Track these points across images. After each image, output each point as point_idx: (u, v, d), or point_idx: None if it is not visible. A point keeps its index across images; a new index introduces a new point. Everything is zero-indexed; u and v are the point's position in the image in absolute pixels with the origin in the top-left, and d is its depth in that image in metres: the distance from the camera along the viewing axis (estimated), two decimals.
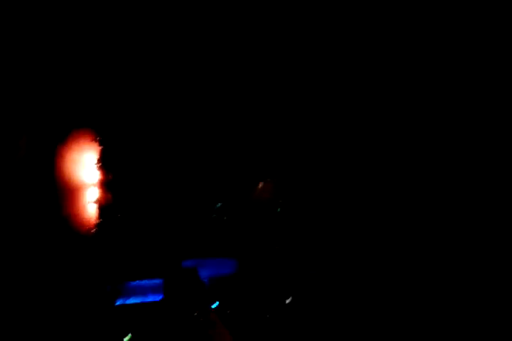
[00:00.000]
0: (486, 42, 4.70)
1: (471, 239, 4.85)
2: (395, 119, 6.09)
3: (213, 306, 7.01)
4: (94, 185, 6.23)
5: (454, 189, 5.14)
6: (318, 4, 6.11)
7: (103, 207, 6.35)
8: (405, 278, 5.73)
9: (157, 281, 7.08)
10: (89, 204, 6.22)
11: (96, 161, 6.20)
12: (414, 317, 5.37)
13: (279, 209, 7.94)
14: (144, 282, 7.03)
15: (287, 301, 6.84)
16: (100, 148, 6.23)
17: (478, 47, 4.78)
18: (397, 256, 5.94)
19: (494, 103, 4.67)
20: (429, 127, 5.52)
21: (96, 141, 6.19)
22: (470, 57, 4.88)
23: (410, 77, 5.79)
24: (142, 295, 6.91)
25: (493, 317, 4.50)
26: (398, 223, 5.98)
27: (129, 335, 5.86)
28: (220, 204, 7.77)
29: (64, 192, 5.96)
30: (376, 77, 6.33)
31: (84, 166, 6.11)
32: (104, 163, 6.28)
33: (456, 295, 4.94)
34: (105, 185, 6.34)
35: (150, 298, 6.93)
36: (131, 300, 6.79)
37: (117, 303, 6.63)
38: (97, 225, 6.30)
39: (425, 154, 5.59)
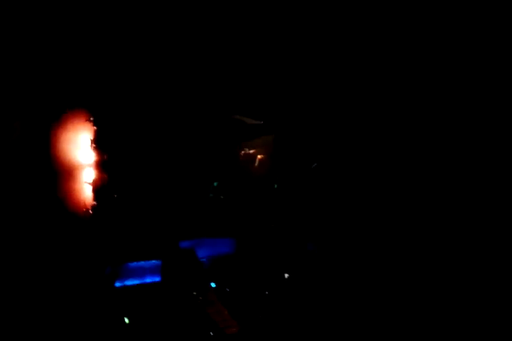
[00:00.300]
0: (486, 43, 4.75)
1: (471, 238, 4.91)
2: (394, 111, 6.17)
3: (212, 285, 7.09)
4: (89, 165, 6.22)
5: (454, 188, 5.20)
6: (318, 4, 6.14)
7: (99, 187, 6.34)
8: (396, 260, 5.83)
9: (155, 262, 7.13)
10: (85, 184, 6.21)
11: (90, 142, 6.18)
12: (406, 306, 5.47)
13: (276, 186, 8.00)
14: (142, 263, 7.06)
15: (286, 276, 6.94)
16: (94, 128, 6.21)
17: (478, 47, 4.83)
18: (390, 236, 6.03)
19: (494, 103, 4.72)
20: (428, 126, 5.59)
21: (90, 121, 6.16)
22: (470, 57, 4.93)
23: (410, 77, 5.85)
24: (141, 277, 6.95)
25: (493, 317, 4.56)
26: (391, 202, 6.08)
27: (127, 320, 5.90)
28: (216, 183, 7.81)
29: (60, 173, 5.95)
30: (376, 76, 6.38)
31: (79, 147, 6.09)
32: (99, 143, 6.26)
33: (455, 295, 5.01)
34: (101, 165, 6.32)
35: (148, 279, 6.98)
36: (130, 282, 6.83)
37: (116, 285, 6.66)
38: (94, 206, 6.30)
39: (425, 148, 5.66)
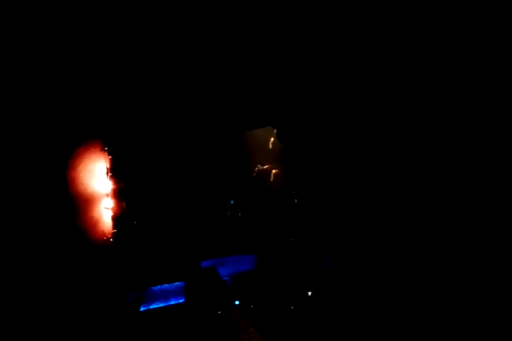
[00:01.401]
0: (486, 42, 4.70)
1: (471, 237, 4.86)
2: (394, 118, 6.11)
3: (236, 303, 7.10)
4: (107, 194, 6.29)
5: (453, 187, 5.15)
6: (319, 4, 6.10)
7: (118, 215, 6.41)
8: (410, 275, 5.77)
9: (178, 284, 7.17)
10: (105, 213, 6.28)
11: (107, 171, 6.25)
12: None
13: (296, 201, 7.96)
14: (166, 286, 7.11)
15: (309, 294, 6.91)
16: (110, 157, 6.28)
17: (478, 47, 4.78)
18: (403, 250, 5.97)
19: (494, 103, 4.67)
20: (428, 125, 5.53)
21: (105, 151, 6.23)
22: (470, 57, 4.88)
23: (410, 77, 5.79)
24: (165, 299, 7.00)
25: (493, 317, 4.52)
26: (403, 217, 6.01)
27: None
28: (233, 201, 7.82)
29: (79, 204, 6.03)
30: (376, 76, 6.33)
31: (96, 176, 6.17)
32: (115, 172, 6.32)
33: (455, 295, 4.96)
34: (118, 193, 6.39)
35: (173, 301, 7.02)
36: (155, 305, 6.88)
37: (141, 309, 6.71)
38: (114, 234, 6.36)
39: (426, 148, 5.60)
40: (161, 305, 6.92)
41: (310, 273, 7.37)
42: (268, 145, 8.42)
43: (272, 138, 8.35)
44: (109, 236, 6.31)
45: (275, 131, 8.22)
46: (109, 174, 6.29)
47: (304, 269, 7.49)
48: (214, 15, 6.08)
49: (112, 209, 6.36)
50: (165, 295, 7.03)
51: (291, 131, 7.72)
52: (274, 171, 8.29)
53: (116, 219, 6.41)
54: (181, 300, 7.06)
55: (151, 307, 6.83)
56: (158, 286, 7.04)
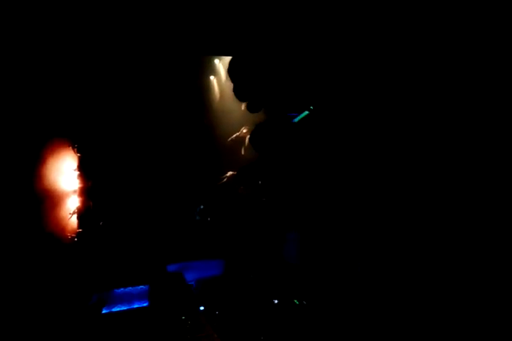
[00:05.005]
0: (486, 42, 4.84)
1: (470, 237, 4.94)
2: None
3: (200, 309, 7.03)
4: (74, 192, 6.21)
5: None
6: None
7: (84, 214, 6.32)
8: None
9: (142, 287, 7.08)
10: (71, 212, 6.18)
11: (75, 169, 6.18)
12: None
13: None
14: (130, 289, 7.00)
15: (275, 301, 6.88)
16: (78, 155, 6.21)
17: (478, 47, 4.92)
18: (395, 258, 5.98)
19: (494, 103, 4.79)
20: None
21: (74, 148, 6.16)
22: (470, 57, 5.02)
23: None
24: (128, 302, 6.89)
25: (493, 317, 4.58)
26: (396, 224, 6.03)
27: None
28: (202, 206, 7.82)
29: (44, 201, 5.92)
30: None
31: (63, 174, 6.08)
32: (84, 170, 6.26)
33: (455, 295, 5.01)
34: (85, 192, 6.32)
35: (136, 304, 6.91)
36: (118, 308, 6.76)
37: (104, 312, 6.59)
38: (79, 233, 6.26)
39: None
40: (124, 308, 6.81)
41: (275, 274, 7.34)
42: (241, 151, 8.47)
43: (246, 143, 8.37)
44: (74, 235, 6.20)
45: (248, 136, 8.25)
46: (78, 172, 6.22)
47: (271, 277, 7.47)
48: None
49: (78, 208, 6.27)
50: (128, 298, 6.92)
51: (264, 135, 7.74)
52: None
53: (81, 219, 6.31)
54: (145, 304, 6.97)
55: (114, 310, 6.71)
56: (122, 289, 6.92)
